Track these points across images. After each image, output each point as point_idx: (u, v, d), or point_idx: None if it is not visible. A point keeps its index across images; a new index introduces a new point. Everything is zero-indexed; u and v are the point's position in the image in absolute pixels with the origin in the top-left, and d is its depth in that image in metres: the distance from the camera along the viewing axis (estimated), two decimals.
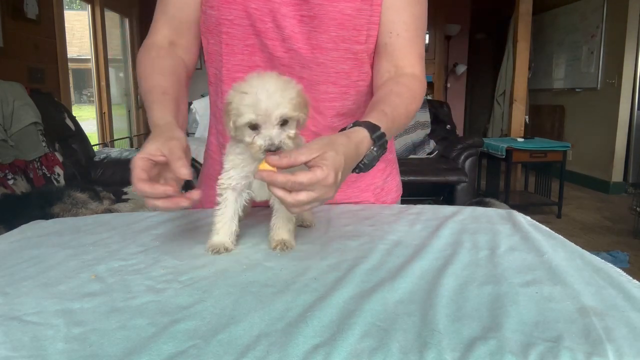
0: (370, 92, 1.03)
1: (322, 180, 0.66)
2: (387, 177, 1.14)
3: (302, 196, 0.66)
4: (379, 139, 0.79)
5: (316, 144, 0.69)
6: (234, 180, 0.77)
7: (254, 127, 0.70)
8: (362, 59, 0.98)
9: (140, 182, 0.70)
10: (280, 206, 0.79)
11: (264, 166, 0.68)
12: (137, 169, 0.71)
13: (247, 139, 0.71)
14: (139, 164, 0.71)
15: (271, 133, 0.70)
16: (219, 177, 0.79)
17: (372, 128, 0.78)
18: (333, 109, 1.00)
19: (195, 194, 0.73)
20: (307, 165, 0.68)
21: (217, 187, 0.79)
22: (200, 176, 1.17)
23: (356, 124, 0.79)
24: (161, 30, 0.98)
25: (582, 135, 5.82)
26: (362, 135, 0.76)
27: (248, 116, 0.69)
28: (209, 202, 0.92)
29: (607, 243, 3.69)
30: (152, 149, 0.73)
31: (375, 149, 0.79)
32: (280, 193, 0.66)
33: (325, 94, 0.98)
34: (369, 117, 0.81)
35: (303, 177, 0.65)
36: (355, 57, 0.97)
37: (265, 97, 0.69)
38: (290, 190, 0.66)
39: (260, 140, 0.70)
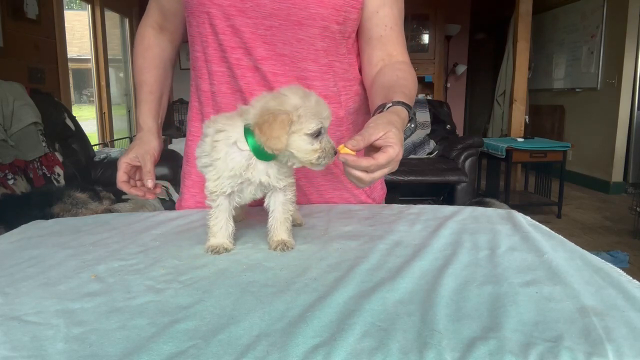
0: (351, 78, 1.08)
1: (395, 157, 0.76)
2: None
3: (378, 174, 0.76)
4: (414, 116, 0.90)
5: (379, 124, 0.78)
6: (229, 188, 0.77)
7: (319, 133, 0.74)
8: (338, 40, 1.02)
9: (121, 183, 1.00)
10: (275, 207, 0.79)
11: (344, 150, 0.75)
12: (120, 171, 1.00)
13: (309, 146, 0.73)
14: (122, 167, 1.01)
15: (328, 137, 0.75)
16: (207, 184, 0.78)
17: (407, 106, 0.88)
18: (315, 88, 1.01)
19: (157, 190, 1.01)
20: (374, 144, 0.77)
21: (207, 193, 0.78)
22: (185, 167, 1.15)
23: (394, 103, 0.88)
24: (153, 15, 1.16)
25: (582, 135, 5.82)
26: (405, 112, 0.87)
27: (318, 123, 0.73)
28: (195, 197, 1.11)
29: (607, 243, 3.69)
30: (132, 157, 1.02)
31: (412, 125, 0.89)
32: (360, 174, 0.75)
33: (306, 72, 1.01)
34: (397, 99, 0.89)
35: (381, 158, 0.75)
36: (332, 36, 1.00)
37: (323, 106, 0.75)
38: (371, 171, 0.75)
39: (327, 143, 0.75)
